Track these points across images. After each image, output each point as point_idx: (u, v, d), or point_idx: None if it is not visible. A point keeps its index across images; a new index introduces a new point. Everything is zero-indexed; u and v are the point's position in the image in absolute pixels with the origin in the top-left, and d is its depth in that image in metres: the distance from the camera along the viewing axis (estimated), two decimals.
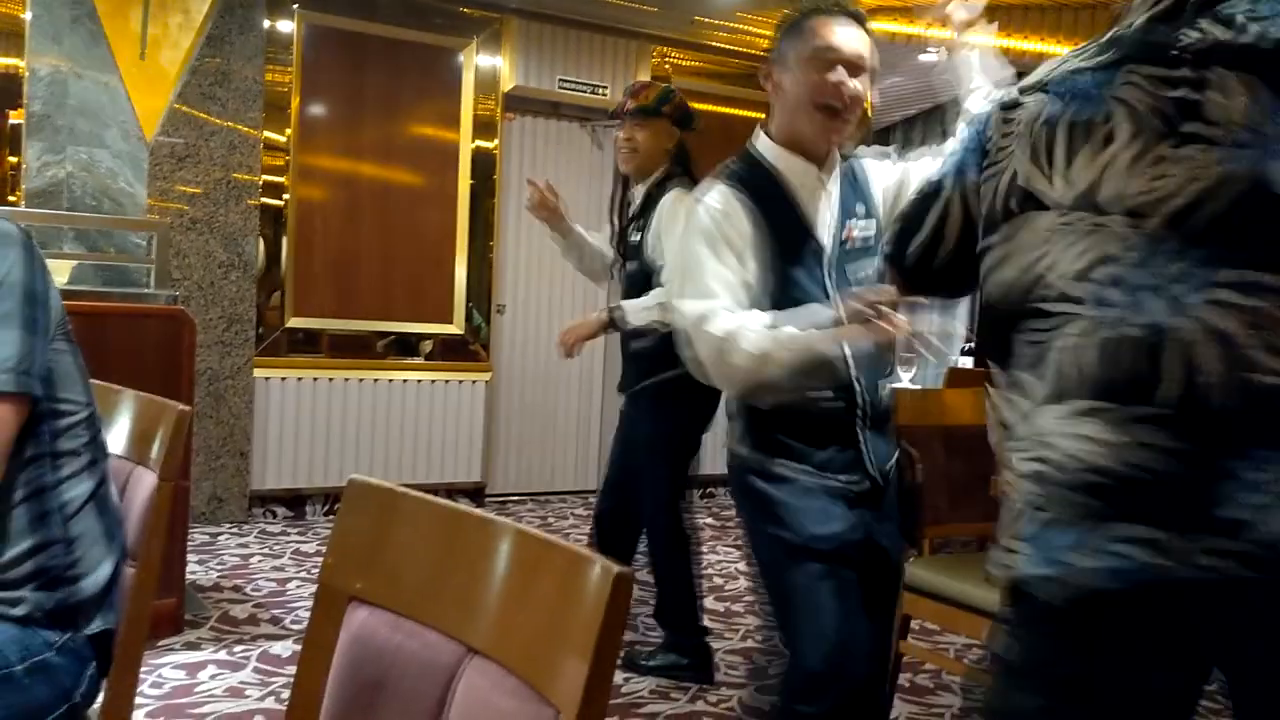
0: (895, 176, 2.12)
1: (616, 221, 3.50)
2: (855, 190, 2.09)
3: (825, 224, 2.06)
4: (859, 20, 2.06)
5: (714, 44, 6.57)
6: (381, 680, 1.04)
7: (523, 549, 0.98)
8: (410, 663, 1.02)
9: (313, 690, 1.10)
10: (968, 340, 6.75)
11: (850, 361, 1.99)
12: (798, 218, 2.05)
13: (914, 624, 3.26)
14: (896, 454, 2.15)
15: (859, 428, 2.03)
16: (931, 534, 3.27)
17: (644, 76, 6.42)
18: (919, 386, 5.67)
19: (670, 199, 3.27)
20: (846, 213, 2.06)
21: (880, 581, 2.16)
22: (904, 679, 3.49)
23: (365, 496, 1.14)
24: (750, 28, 6.37)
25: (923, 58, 6.30)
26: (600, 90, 6.21)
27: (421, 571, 1.06)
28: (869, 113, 2.11)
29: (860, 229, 2.05)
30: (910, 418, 3.06)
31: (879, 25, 5.48)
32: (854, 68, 2.03)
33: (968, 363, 6.43)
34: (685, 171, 3.37)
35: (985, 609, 2.76)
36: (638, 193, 3.40)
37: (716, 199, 2.05)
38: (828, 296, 2.01)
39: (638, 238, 3.34)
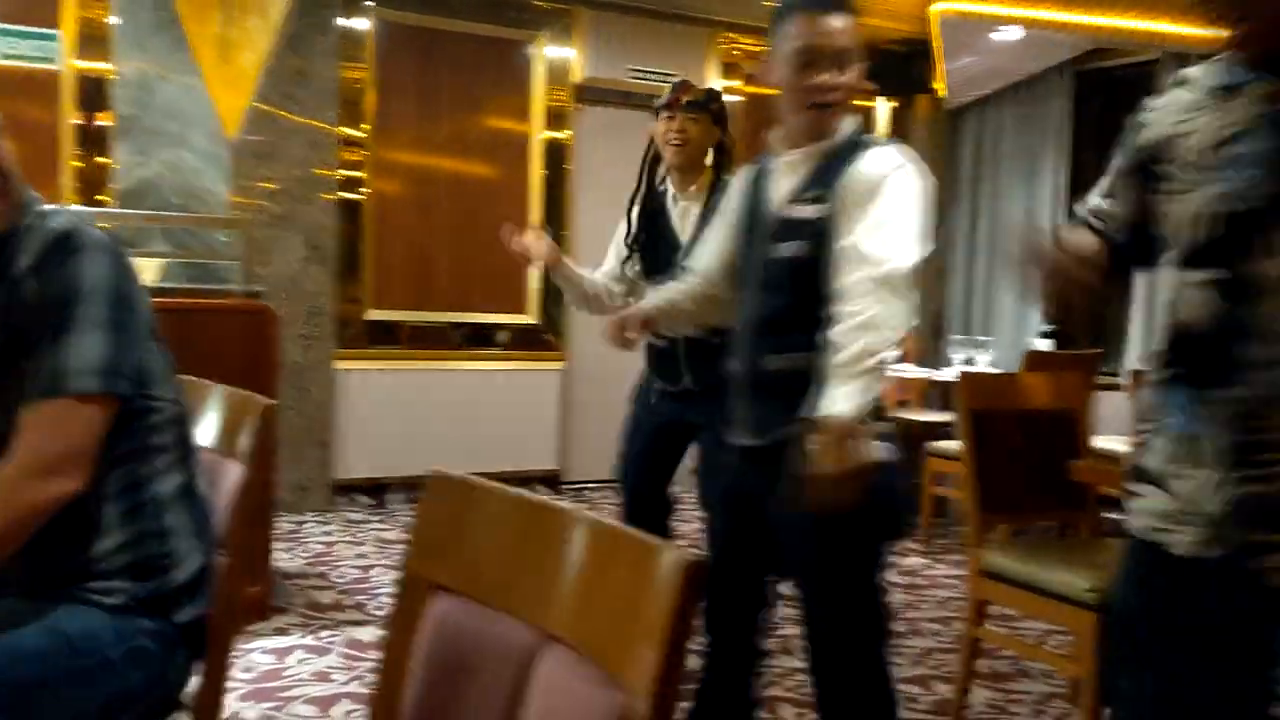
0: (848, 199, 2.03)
1: (635, 220, 3.36)
2: (826, 177, 2.05)
3: (778, 200, 2.13)
4: (837, 5, 2.04)
5: None
6: (463, 664, 1.07)
7: (597, 539, 1.01)
8: (490, 648, 1.05)
9: (397, 673, 1.14)
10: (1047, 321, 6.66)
11: (740, 327, 2.19)
12: (762, 195, 2.19)
13: (991, 609, 3.24)
14: (793, 427, 1.93)
15: (742, 388, 2.16)
16: (1008, 520, 3.23)
17: (714, 64, 6.42)
18: (996, 370, 5.61)
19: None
20: (798, 193, 2.09)
21: (780, 547, 2.15)
22: (983, 664, 3.47)
23: (445, 488, 1.17)
24: None
25: (994, 36, 6.19)
26: (670, 79, 6.19)
27: (499, 560, 1.10)
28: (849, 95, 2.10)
29: (800, 210, 2.06)
30: (984, 401, 3.03)
31: (948, 5, 5.40)
32: (837, 59, 2.02)
33: (1046, 345, 6.33)
34: (728, 169, 3.22)
35: (1063, 594, 2.73)
36: (680, 186, 3.29)
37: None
38: (751, 266, 2.17)
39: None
